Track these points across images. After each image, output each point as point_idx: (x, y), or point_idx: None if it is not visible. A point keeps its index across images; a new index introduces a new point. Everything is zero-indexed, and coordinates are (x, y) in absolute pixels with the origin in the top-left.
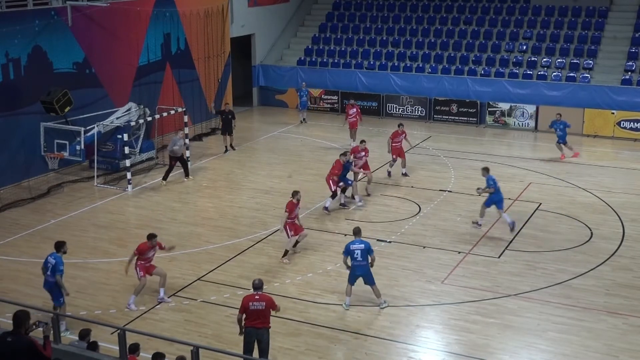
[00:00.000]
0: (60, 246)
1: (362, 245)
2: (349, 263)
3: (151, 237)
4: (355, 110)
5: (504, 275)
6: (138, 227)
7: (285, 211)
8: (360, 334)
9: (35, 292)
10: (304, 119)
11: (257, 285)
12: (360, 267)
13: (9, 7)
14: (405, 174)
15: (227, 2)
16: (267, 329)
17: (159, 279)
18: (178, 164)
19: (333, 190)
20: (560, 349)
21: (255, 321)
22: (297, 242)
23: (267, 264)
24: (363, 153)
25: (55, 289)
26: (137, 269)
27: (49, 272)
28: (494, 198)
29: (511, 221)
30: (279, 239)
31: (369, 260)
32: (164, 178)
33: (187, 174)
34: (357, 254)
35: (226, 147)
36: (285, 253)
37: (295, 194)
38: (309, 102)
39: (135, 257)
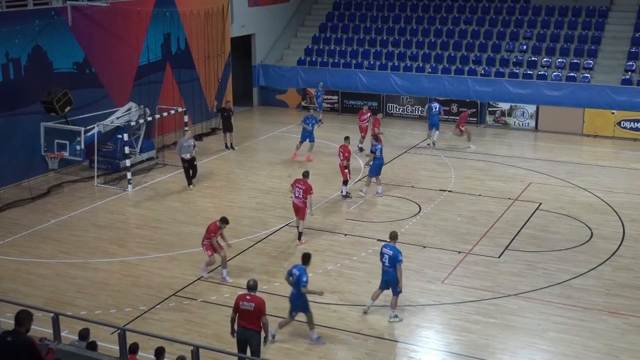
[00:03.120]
0: (306, 259)
1: (391, 252)
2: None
3: (224, 221)
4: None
5: (504, 275)
6: (138, 227)
7: (310, 193)
8: (360, 334)
9: (36, 292)
10: (320, 120)
11: (251, 286)
12: (386, 273)
13: (9, 7)
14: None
15: (227, 2)
16: (256, 332)
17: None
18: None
19: (345, 178)
20: (561, 348)
21: (245, 321)
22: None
23: (267, 264)
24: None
25: (297, 301)
26: (204, 248)
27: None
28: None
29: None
30: (278, 239)
31: (397, 270)
32: (189, 183)
33: (190, 182)
34: (385, 258)
35: (226, 144)
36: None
37: (307, 174)
38: (323, 103)
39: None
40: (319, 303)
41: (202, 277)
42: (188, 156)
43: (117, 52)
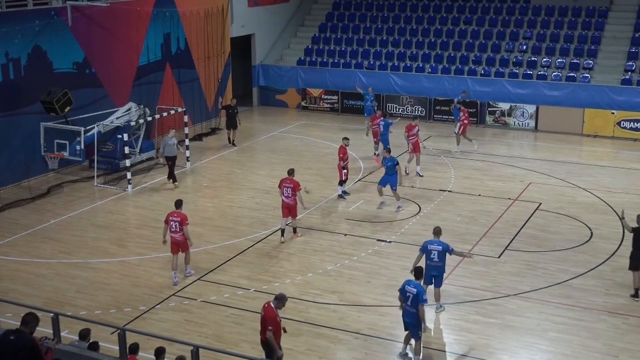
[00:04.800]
0: (419, 273)
1: (440, 247)
2: (421, 262)
3: (180, 204)
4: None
5: (504, 275)
6: (138, 227)
7: (298, 189)
8: (360, 334)
9: (36, 292)
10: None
11: (276, 296)
12: (436, 268)
13: (9, 7)
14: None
15: (227, 2)
16: (262, 341)
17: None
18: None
19: (343, 179)
20: (561, 348)
21: (261, 327)
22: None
23: (267, 264)
24: (416, 129)
25: (416, 321)
26: (189, 243)
27: (409, 303)
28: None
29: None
30: (278, 238)
31: (445, 262)
32: (169, 178)
33: (173, 179)
34: (433, 255)
35: (229, 139)
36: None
37: (292, 172)
38: (375, 108)
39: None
40: (318, 303)
41: (191, 273)
42: (172, 154)
43: (117, 52)
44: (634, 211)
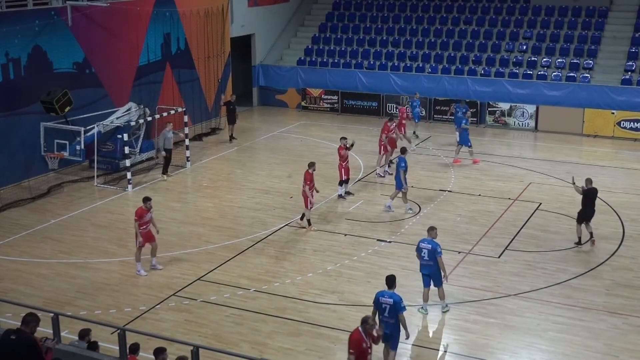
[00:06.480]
0: (391, 282)
1: (429, 246)
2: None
3: (146, 200)
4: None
5: (504, 275)
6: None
7: (306, 183)
8: None
9: (35, 292)
10: (414, 132)
11: (361, 319)
12: (426, 267)
13: (9, 7)
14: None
15: (227, 2)
16: None
17: (152, 249)
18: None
19: (343, 179)
20: (561, 348)
21: None
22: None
23: (267, 264)
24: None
25: (396, 331)
26: (142, 237)
27: (386, 314)
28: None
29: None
30: (278, 238)
31: (439, 262)
32: (164, 173)
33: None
34: (424, 253)
35: (230, 135)
36: (309, 222)
37: (311, 165)
38: (422, 113)
39: (137, 224)
40: (318, 303)
41: (142, 274)
42: (170, 146)
43: (117, 52)
44: (634, 211)
